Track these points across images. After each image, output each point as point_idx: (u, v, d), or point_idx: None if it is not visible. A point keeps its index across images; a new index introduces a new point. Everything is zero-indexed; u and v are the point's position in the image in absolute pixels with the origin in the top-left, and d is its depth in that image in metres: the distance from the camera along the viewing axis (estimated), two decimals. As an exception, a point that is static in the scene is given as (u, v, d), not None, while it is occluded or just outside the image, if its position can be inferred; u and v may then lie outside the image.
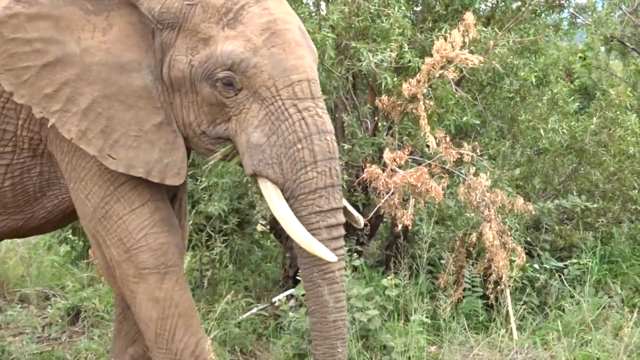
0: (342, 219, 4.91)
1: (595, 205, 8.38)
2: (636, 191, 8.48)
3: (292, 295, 7.40)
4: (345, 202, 5.07)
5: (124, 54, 5.03)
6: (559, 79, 9.17)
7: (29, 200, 5.54)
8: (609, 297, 7.61)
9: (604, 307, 7.41)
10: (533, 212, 7.58)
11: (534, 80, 8.30)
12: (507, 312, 7.07)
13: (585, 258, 8.04)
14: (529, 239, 8.12)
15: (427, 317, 6.93)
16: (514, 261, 7.16)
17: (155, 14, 5.00)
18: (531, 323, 7.22)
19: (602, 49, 13.65)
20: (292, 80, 4.84)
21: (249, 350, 7.12)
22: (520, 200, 7.29)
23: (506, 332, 6.82)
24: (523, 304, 7.43)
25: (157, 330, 5.25)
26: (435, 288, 7.63)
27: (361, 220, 5.37)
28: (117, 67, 5.02)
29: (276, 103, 4.84)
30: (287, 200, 4.86)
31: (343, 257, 4.99)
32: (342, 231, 4.94)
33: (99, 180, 5.20)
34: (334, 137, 4.93)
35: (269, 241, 9.28)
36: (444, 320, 6.91)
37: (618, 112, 8.51)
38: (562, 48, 10.07)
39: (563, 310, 7.36)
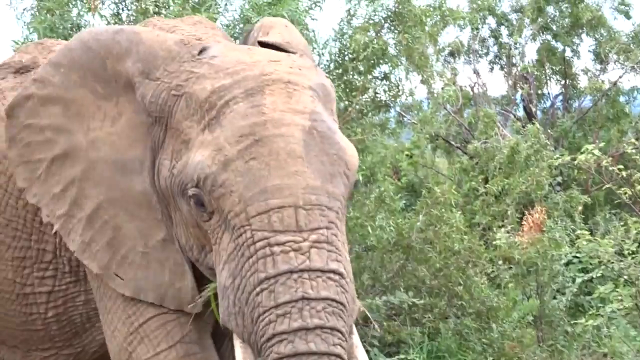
0: None
1: (422, 301, 8.50)
2: (462, 287, 8.65)
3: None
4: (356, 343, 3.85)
5: (128, 150, 4.08)
6: (386, 176, 9.36)
7: (78, 332, 4.71)
8: (436, 392, 7.72)
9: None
10: (362, 309, 7.64)
11: (361, 178, 8.42)
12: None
13: (413, 353, 8.13)
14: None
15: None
16: None
17: (146, 103, 4.03)
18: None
19: (428, 147, 14.05)
20: (269, 205, 3.57)
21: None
22: (348, 298, 7.34)
23: None
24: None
25: None
26: None
27: None
28: (119, 165, 4.10)
29: (245, 235, 3.61)
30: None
31: None
32: None
33: (122, 315, 4.26)
34: (335, 276, 3.65)
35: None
36: None
37: (443, 210, 8.72)
38: (389, 146, 10.33)
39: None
